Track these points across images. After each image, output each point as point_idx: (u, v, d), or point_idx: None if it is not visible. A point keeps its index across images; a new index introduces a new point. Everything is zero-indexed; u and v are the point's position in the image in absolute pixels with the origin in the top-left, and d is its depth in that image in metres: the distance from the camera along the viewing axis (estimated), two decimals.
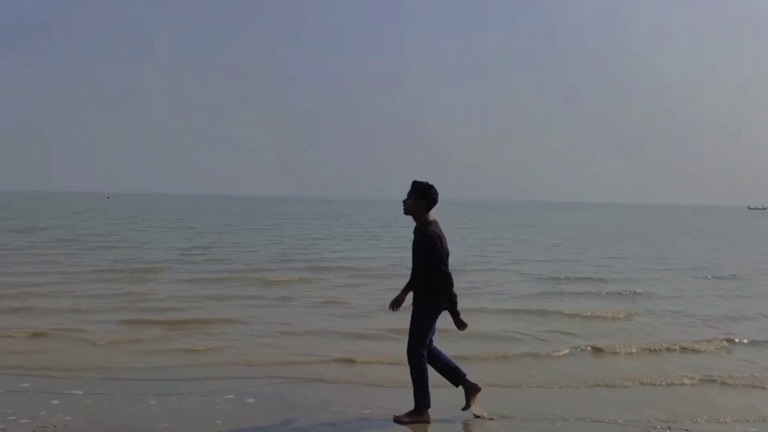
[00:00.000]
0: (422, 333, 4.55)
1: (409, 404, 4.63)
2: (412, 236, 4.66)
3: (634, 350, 6.96)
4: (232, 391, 5.22)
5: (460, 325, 4.60)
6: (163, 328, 7.60)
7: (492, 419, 4.73)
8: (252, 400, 5.04)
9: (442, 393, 4.76)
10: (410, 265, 4.68)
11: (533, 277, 13.33)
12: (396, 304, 4.68)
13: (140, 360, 6.21)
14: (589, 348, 7.03)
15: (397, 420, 4.59)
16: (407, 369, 4.64)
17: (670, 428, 4.61)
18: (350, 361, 6.26)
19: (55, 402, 4.85)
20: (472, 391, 4.72)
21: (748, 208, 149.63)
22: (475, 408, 4.77)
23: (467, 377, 4.74)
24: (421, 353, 4.58)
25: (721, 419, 4.86)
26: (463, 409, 4.70)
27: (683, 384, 5.79)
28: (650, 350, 7.01)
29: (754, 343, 7.50)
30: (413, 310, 4.63)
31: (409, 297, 4.70)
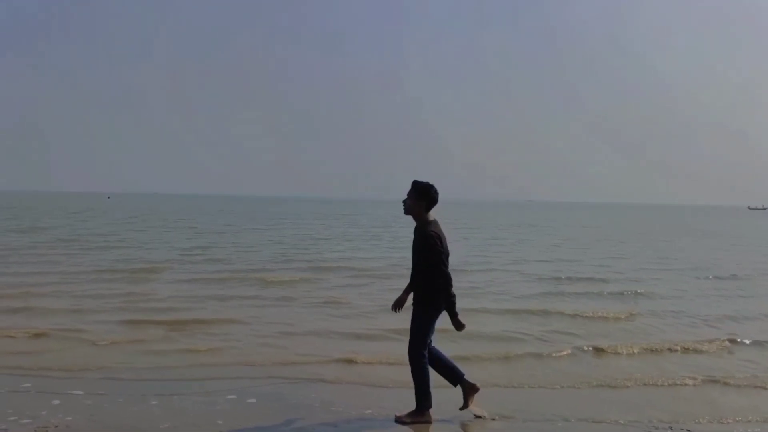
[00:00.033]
0: (423, 333, 4.55)
1: (410, 404, 4.63)
2: (412, 236, 4.66)
3: (635, 350, 6.95)
4: (234, 392, 5.21)
5: (458, 325, 4.59)
6: (164, 329, 7.59)
7: (494, 419, 4.72)
8: (253, 401, 5.03)
9: (444, 393, 4.75)
10: (411, 265, 4.67)
11: (534, 277, 13.33)
12: (398, 305, 4.68)
13: (141, 360, 6.20)
14: (590, 348, 7.02)
15: (399, 420, 4.58)
16: (408, 369, 4.64)
17: (671, 428, 4.61)
18: (351, 362, 6.25)
19: (56, 402, 4.85)
20: (470, 391, 4.72)
21: (749, 208, 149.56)
22: (476, 408, 4.76)
23: (465, 377, 4.74)
24: (422, 353, 4.58)
25: (723, 420, 4.85)
26: (461, 409, 4.70)
27: (685, 384, 5.78)
28: (652, 350, 7.00)
29: (756, 344, 7.49)
30: (413, 311, 4.62)
31: (410, 297, 4.69)
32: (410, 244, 4.66)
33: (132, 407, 4.80)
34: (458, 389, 4.77)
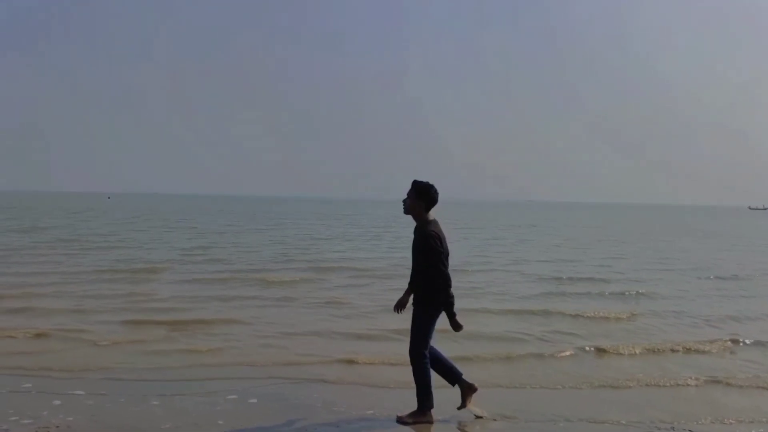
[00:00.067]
0: (423, 333, 4.55)
1: (412, 405, 4.62)
2: (412, 236, 4.65)
3: (637, 351, 6.94)
4: (235, 392, 5.21)
5: (456, 326, 4.58)
6: (165, 329, 7.58)
7: (495, 420, 4.71)
8: (255, 401, 5.03)
9: (445, 393, 4.74)
10: (411, 265, 4.67)
11: (535, 277, 13.31)
12: (400, 306, 4.68)
13: (142, 360, 6.19)
14: (592, 349, 7.01)
15: (400, 420, 4.58)
16: (410, 369, 4.63)
17: (673, 429, 4.60)
18: (353, 362, 6.24)
19: (58, 402, 4.84)
20: (468, 390, 4.72)
21: (749, 208, 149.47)
22: (476, 409, 4.76)
23: (463, 376, 4.74)
24: (424, 353, 4.57)
25: (726, 420, 4.84)
26: (459, 408, 4.70)
27: (687, 385, 5.77)
28: (654, 351, 6.99)
29: (758, 344, 7.47)
30: (413, 311, 4.62)
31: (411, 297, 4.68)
32: (411, 244, 4.65)
33: (133, 407, 4.79)
34: (458, 389, 4.76)
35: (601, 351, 6.93)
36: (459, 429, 4.59)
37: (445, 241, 4.56)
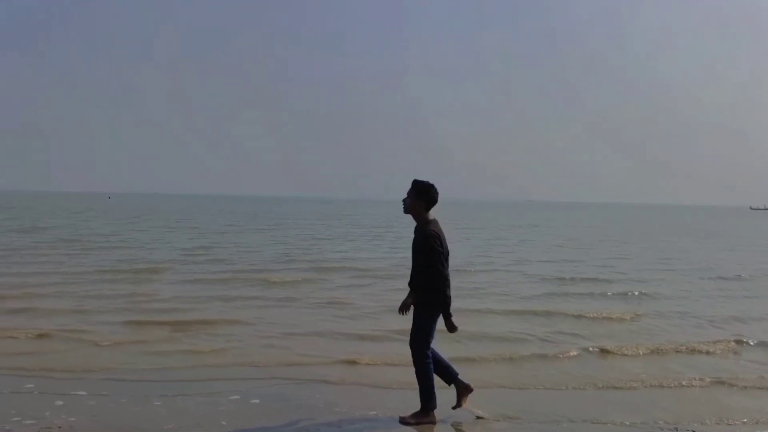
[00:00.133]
0: (424, 333, 4.54)
1: (414, 405, 4.61)
2: (413, 236, 4.64)
3: (641, 352, 6.92)
4: (237, 392, 5.19)
5: (451, 327, 4.56)
6: (167, 329, 7.57)
7: (497, 420, 4.70)
8: (257, 401, 5.01)
9: (447, 394, 4.73)
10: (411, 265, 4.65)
11: (537, 277, 13.29)
12: (404, 308, 4.66)
13: (144, 361, 6.18)
14: (595, 349, 6.99)
15: (403, 421, 4.57)
16: (412, 370, 4.62)
17: (677, 429, 4.59)
18: (355, 363, 6.23)
19: (60, 403, 4.83)
20: (463, 391, 4.71)
21: (751, 208, 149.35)
22: (477, 410, 4.76)
23: (459, 376, 4.72)
24: (426, 354, 4.57)
25: (730, 421, 4.83)
26: (453, 408, 4.68)
27: (691, 386, 5.75)
28: (657, 352, 6.96)
29: (762, 344, 7.44)
30: (414, 311, 4.61)
31: None
32: (411, 244, 4.64)
33: (135, 408, 4.78)
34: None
35: (604, 352, 6.92)
36: (461, 430, 4.58)
37: (445, 241, 4.55)
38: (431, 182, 4.59)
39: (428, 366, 4.56)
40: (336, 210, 71.93)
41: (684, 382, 5.81)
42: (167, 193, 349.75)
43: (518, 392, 5.48)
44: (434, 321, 4.55)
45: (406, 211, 4.61)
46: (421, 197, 4.53)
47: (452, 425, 4.61)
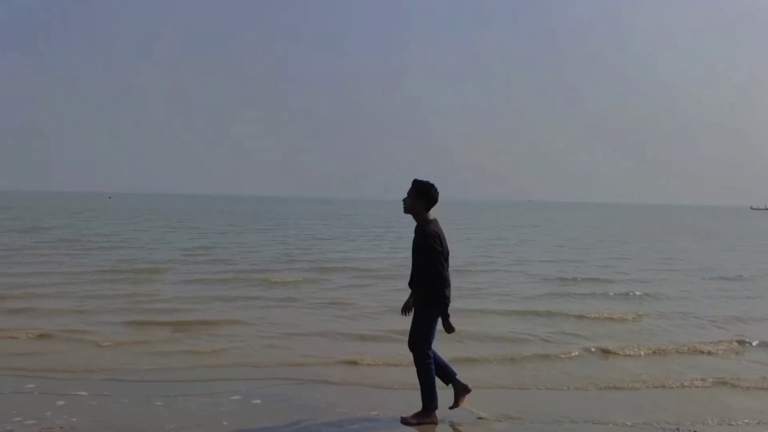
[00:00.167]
0: (425, 333, 4.53)
1: (416, 406, 4.61)
2: (413, 236, 4.63)
3: (642, 352, 6.90)
4: (239, 393, 5.19)
5: (449, 328, 4.55)
6: (168, 330, 7.56)
7: (499, 421, 4.69)
8: (258, 401, 5.01)
9: (450, 394, 4.72)
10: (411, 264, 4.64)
11: (539, 277, 13.27)
12: (407, 309, 4.68)
13: (145, 361, 6.17)
14: (597, 350, 6.97)
15: (405, 421, 4.56)
16: (414, 370, 4.62)
17: (678, 430, 4.58)
18: (356, 363, 6.22)
19: (61, 403, 4.82)
20: (461, 391, 4.70)
21: (751, 208, 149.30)
22: (477, 410, 4.76)
23: (457, 376, 4.71)
24: (428, 354, 4.56)
25: (732, 421, 4.81)
26: (451, 408, 4.67)
27: (693, 386, 5.73)
28: (659, 352, 6.95)
29: (764, 345, 7.43)
30: (414, 311, 4.60)
31: None
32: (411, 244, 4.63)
33: (136, 408, 4.78)
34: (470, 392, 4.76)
35: (606, 352, 6.90)
36: (463, 430, 4.56)
37: (445, 241, 4.54)
38: (431, 182, 4.58)
39: (429, 366, 4.55)
40: (336, 210, 71.93)
41: (686, 383, 5.79)
42: (167, 193, 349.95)
43: (520, 392, 5.47)
44: (435, 321, 4.54)
45: (407, 210, 4.61)
46: (421, 197, 4.52)
47: (453, 425, 4.60)
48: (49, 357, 6.24)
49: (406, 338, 4.69)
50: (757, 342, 7.49)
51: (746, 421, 4.83)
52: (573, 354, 6.79)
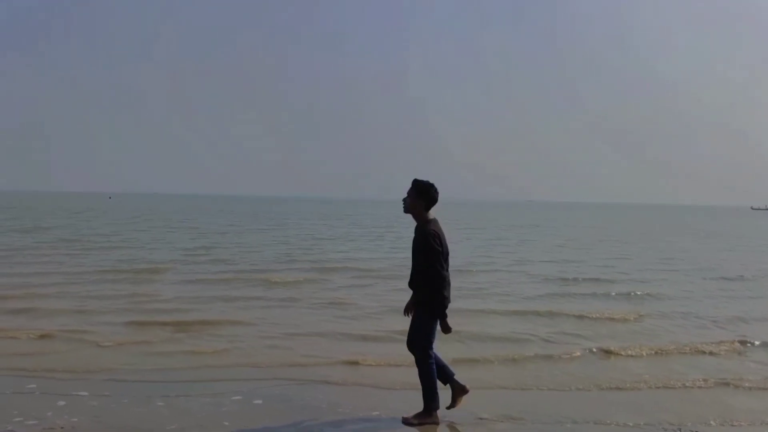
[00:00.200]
0: (425, 333, 4.52)
1: (417, 406, 4.60)
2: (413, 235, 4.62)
3: (644, 352, 6.88)
4: (240, 393, 5.18)
5: (446, 328, 4.54)
6: (169, 330, 7.56)
7: (501, 421, 4.68)
8: (260, 402, 5.01)
9: (450, 394, 4.70)
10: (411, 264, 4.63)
11: (540, 277, 13.25)
12: (409, 310, 4.68)
13: (146, 362, 6.16)
14: (599, 350, 6.96)
15: (406, 421, 4.56)
16: (415, 371, 4.61)
17: (680, 430, 4.57)
18: (357, 363, 6.21)
19: (62, 403, 4.82)
20: (459, 391, 4.70)
21: (752, 208, 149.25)
22: (480, 411, 4.75)
23: (456, 377, 4.70)
24: (429, 354, 4.55)
25: (735, 422, 4.80)
26: (448, 408, 4.66)
27: (695, 387, 5.72)
28: (661, 352, 6.93)
29: (766, 345, 7.40)
30: (414, 311, 4.59)
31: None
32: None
33: (138, 408, 4.78)
34: (469, 392, 4.75)
35: (607, 352, 6.88)
36: (465, 430, 4.55)
37: (444, 241, 4.53)
38: (431, 182, 4.57)
39: (431, 366, 4.54)
40: (336, 210, 71.92)
41: (688, 383, 5.77)
42: (167, 193, 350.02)
43: (521, 393, 5.46)
44: (434, 321, 4.53)
45: (406, 210, 4.60)
46: (421, 197, 4.52)
47: (455, 426, 4.59)
48: (50, 357, 6.24)
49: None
50: (759, 342, 7.47)
51: (749, 421, 4.81)
52: (574, 354, 6.78)
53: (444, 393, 4.68)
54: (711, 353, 6.95)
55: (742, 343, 7.40)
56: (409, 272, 4.67)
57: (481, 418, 4.71)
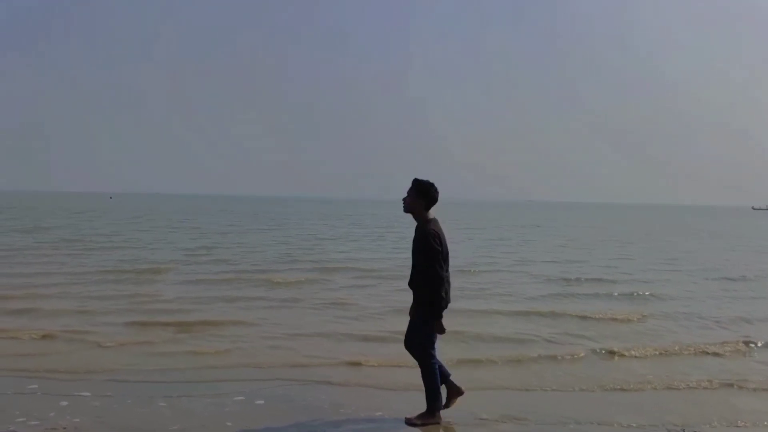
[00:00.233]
0: (426, 333, 4.51)
1: (420, 406, 4.59)
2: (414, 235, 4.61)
3: (648, 353, 6.85)
4: (242, 393, 5.17)
5: (439, 328, 4.51)
6: (171, 330, 7.55)
7: (504, 422, 4.67)
8: (262, 402, 4.99)
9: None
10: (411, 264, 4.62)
11: (542, 278, 13.22)
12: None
13: (148, 362, 6.15)
14: (602, 351, 6.93)
15: (409, 422, 4.55)
16: (417, 371, 4.61)
17: (684, 431, 4.54)
18: (360, 364, 6.19)
19: (64, 403, 4.81)
20: (454, 393, 4.69)
21: (753, 208, 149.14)
22: (483, 411, 4.75)
23: (451, 377, 4.69)
24: (432, 354, 4.54)
25: (739, 423, 4.78)
26: (441, 408, 4.64)
27: (699, 387, 5.69)
28: (665, 353, 6.90)
29: None
30: (415, 311, 4.58)
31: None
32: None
33: (140, 409, 4.76)
34: (469, 392, 4.74)
35: (611, 353, 6.85)
36: (468, 430, 4.54)
37: (444, 240, 4.52)
38: (431, 181, 4.56)
39: (434, 367, 4.53)
40: (337, 210, 71.92)
41: (692, 384, 5.74)
42: (168, 193, 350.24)
43: (524, 393, 5.45)
44: (435, 321, 4.50)
45: (406, 210, 4.59)
46: (421, 196, 4.50)
47: (459, 426, 4.58)
48: (52, 358, 6.22)
49: None
50: (762, 343, 7.43)
51: (754, 422, 4.79)
52: (578, 355, 6.75)
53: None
54: (715, 354, 6.91)
55: (746, 343, 7.36)
56: (410, 272, 4.66)
57: (484, 419, 4.70)
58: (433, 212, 4.58)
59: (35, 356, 6.28)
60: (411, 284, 4.59)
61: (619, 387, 5.65)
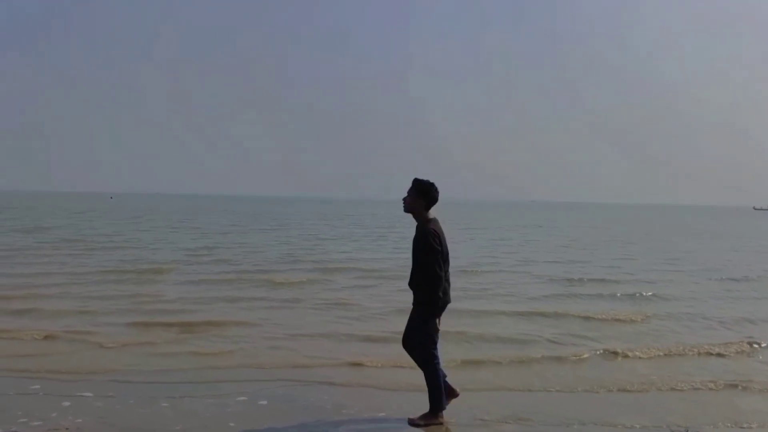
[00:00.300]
0: (426, 333, 4.49)
1: (422, 407, 4.57)
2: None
3: (651, 354, 6.83)
4: (244, 394, 5.16)
5: (433, 326, 4.49)
6: (173, 331, 7.53)
7: (507, 423, 4.65)
8: (264, 403, 4.98)
9: (458, 397, 4.67)
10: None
11: (545, 278, 13.19)
12: None
13: (150, 362, 6.13)
14: (606, 351, 6.90)
15: (412, 422, 4.54)
16: (419, 372, 4.60)
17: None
18: (362, 365, 6.18)
19: (66, 404, 4.80)
20: (449, 394, 4.66)
21: (754, 208, 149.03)
22: (486, 412, 4.72)
23: (446, 378, 4.67)
24: (434, 354, 4.52)
25: (744, 424, 4.76)
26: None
27: (703, 388, 5.67)
28: (668, 354, 6.88)
29: None
30: (415, 311, 4.56)
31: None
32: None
33: (142, 409, 4.75)
34: (472, 393, 4.72)
35: (615, 354, 6.82)
36: (471, 431, 4.52)
37: (444, 240, 4.51)
38: (432, 181, 4.55)
39: (437, 367, 4.52)
40: (337, 210, 71.92)
41: (696, 385, 5.72)
42: (168, 193, 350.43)
43: (527, 394, 5.43)
44: (434, 320, 4.50)
45: (407, 210, 4.58)
46: (421, 196, 4.50)
47: (461, 427, 4.56)
48: (54, 358, 6.21)
49: None
50: (766, 343, 7.41)
51: (758, 423, 4.77)
52: (581, 356, 6.73)
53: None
54: (719, 355, 6.89)
55: (750, 344, 7.33)
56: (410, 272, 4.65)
57: (486, 420, 4.68)
58: (434, 212, 4.58)
59: (37, 357, 6.27)
60: (411, 284, 4.58)
61: (622, 388, 5.63)
